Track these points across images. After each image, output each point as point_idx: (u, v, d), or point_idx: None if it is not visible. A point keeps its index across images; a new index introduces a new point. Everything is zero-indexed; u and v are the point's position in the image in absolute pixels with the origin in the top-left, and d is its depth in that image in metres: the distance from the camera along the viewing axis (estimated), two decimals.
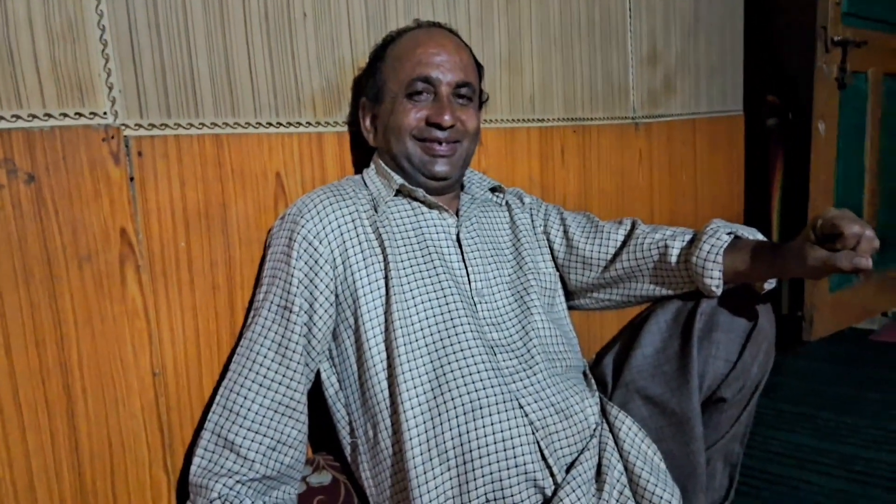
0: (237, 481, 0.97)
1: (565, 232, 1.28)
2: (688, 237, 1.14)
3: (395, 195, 1.15)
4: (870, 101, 2.66)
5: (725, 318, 1.10)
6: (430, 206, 1.15)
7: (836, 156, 2.56)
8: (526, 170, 1.70)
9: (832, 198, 2.55)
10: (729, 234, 1.08)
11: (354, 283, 1.04)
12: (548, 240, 1.29)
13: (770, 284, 1.13)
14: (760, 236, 1.13)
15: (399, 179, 1.14)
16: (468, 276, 1.12)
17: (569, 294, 1.31)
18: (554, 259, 1.29)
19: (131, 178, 0.99)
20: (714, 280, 1.07)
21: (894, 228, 2.94)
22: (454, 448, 0.99)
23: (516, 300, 1.15)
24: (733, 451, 1.18)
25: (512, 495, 0.98)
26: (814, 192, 2.47)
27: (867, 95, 2.65)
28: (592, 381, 1.19)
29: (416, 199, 1.15)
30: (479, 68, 1.22)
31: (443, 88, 1.13)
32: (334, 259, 1.04)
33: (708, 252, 1.07)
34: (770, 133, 2.84)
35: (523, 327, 1.12)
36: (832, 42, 2.41)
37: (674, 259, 1.13)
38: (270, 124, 1.15)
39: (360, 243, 1.06)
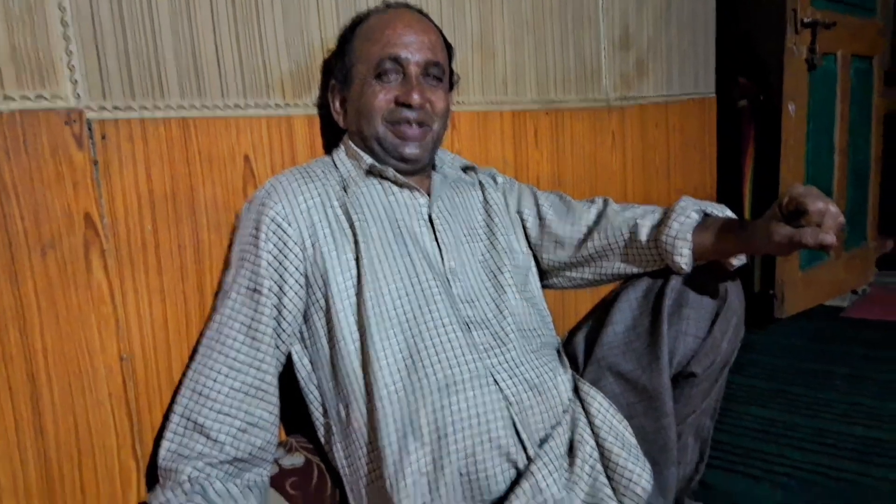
0: (207, 463, 0.97)
1: (538, 211, 1.28)
2: (657, 216, 1.14)
3: (366, 175, 1.14)
4: (839, 81, 2.70)
5: (695, 295, 1.11)
6: (401, 185, 1.15)
7: (807, 136, 2.59)
8: (499, 152, 1.70)
9: (803, 177, 2.59)
10: (698, 211, 1.09)
11: (324, 264, 1.04)
12: (521, 219, 1.30)
13: (739, 261, 1.14)
14: (730, 213, 1.14)
15: (369, 159, 1.13)
16: (441, 254, 1.12)
17: (542, 273, 1.31)
18: (527, 238, 1.29)
19: (95, 162, 0.97)
20: (683, 258, 1.08)
21: (863, 206, 2.99)
22: (429, 424, 0.99)
23: (490, 278, 1.16)
24: (704, 425, 1.19)
25: (486, 469, 0.99)
26: (784, 171, 2.50)
27: (836, 76, 2.68)
28: (565, 358, 1.20)
29: (386, 179, 1.15)
30: (450, 49, 1.22)
31: (411, 68, 1.12)
32: (303, 241, 1.04)
33: (677, 231, 1.08)
34: (742, 114, 2.86)
35: (497, 305, 1.12)
36: (802, 24, 2.43)
37: (644, 238, 1.14)
38: (238, 106, 1.14)
39: (329, 224, 1.06)
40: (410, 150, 1.13)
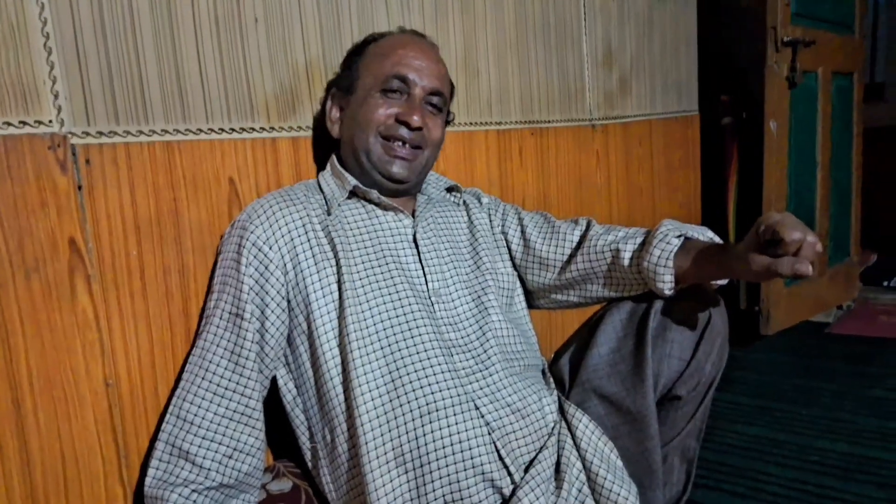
0: (193, 490, 0.96)
1: (522, 232, 1.29)
2: (639, 240, 1.15)
3: (350, 197, 1.15)
4: (820, 98, 2.73)
5: (679, 318, 1.12)
6: (385, 207, 1.15)
7: (789, 152, 2.62)
8: (485, 172, 1.71)
9: (786, 194, 2.61)
10: (679, 236, 1.10)
11: (306, 287, 1.04)
12: (506, 240, 1.30)
13: (721, 281, 1.15)
14: (710, 234, 1.15)
15: (353, 181, 1.13)
16: (425, 276, 1.12)
17: (529, 294, 1.32)
18: (512, 259, 1.30)
19: (79, 187, 0.97)
20: (666, 283, 1.08)
21: (846, 221, 3.03)
22: (411, 451, 0.99)
23: (474, 300, 1.16)
24: (690, 446, 1.20)
25: (470, 496, 0.99)
26: (767, 188, 2.53)
27: (817, 93, 2.72)
28: (551, 379, 1.20)
29: (370, 202, 1.15)
30: (452, 87, 1.25)
31: (417, 91, 1.14)
32: (285, 264, 1.04)
33: (658, 257, 1.08)
34: (725, 132, 2.89)
35: (480, 327, 1.13)
36: (782, 42, 2.47)
37: (626, 263, 1.14)
38: (223, 130, 1.14)
39: (311, 248, 1.06)
40: (398, 169, 1.14)
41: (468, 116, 1.65)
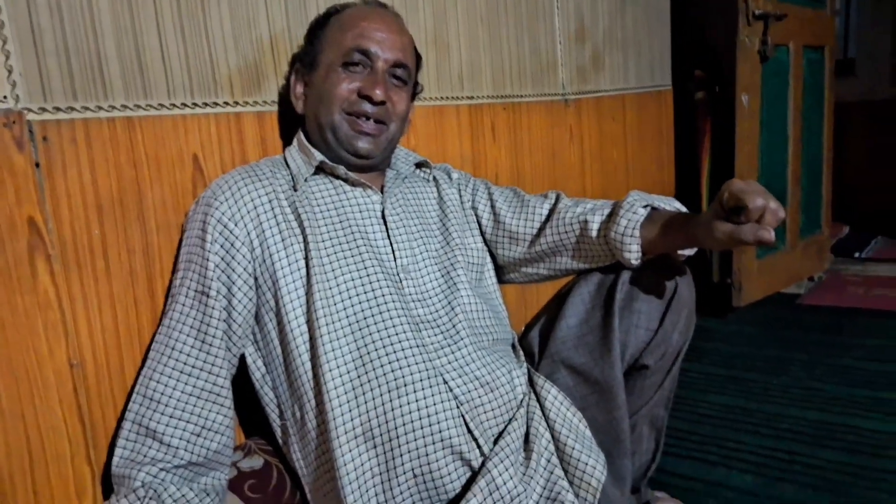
0: (161, 469, 0.96)
1: (492, 207, 1.29)
2: (606, 211, 1.15)
3: (317, 173, 1.13)
4: (791, 72, 2.74)
5: (645, 288, 1.13)
6: (353, 183, 1.14)
7: (761, 126, 2.63)
8: (457, 148, 1.70)
9: (757, 167, 2.63)
10: (645, 206, 1.10)
11: (273, 264, 1.03)
12: (476, 215, 1.30)
13: (690, 251, 1.16)
14: (678, 205, 1.15)
15: (319, 156, 1.12)
16: (393, 252, 1.12)
17: (498, 269, 1.32)
18: (482, 234, 1.29)
19: (37, 165, 0.95)
20: (633, 253, 1.09)
21: (817, 195, 3.06)
22: (379, 426, 0.99)
23: (443, 275, 1.16)
24: (658, 415, 1.21)
25: (439, 469, 0.99)
26: (739, 162, 2.54)
27: (789, 67, 2.73)
28: (521, 352, 1.21)
29: (338, 177, 1.14)
30: (418, 58, 1.23)
31: (379, 64, 1.12)
32: (251, 241, 1.03)
33: (625, 227, 1.09)
34: (698, 106, 2.90)
35: (449, 302, 1.13)
36: (753, 15, 2.47)
37: (594, 234, 1.15)
38: (185, 105, 1.12)
39: (277, 224, 1.05)
40: (363, 144, 1.12)
41: (439, 91, 1.64)
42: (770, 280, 2.81)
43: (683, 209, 1.14)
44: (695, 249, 1.16)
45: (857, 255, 3.46)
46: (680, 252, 1.15)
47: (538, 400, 1.12)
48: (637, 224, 1.08)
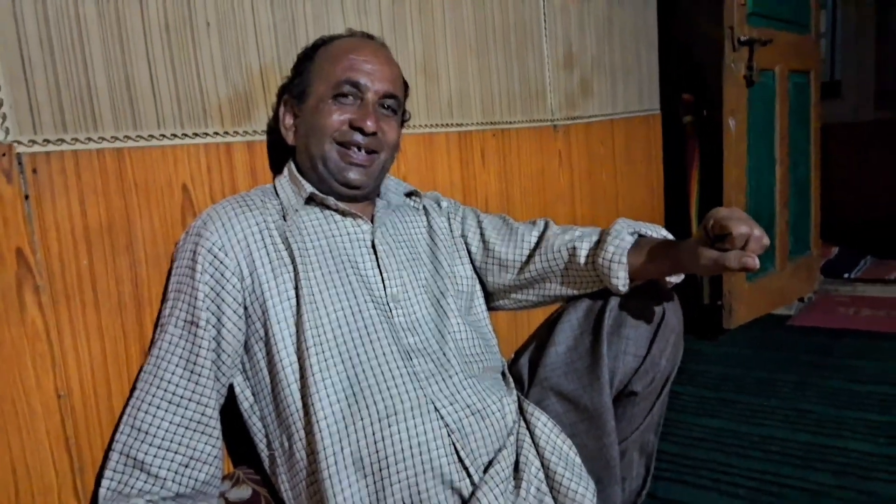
0: (148, 500, 0.95)
1: (482, 235, 1.29)
2: (595, 238, 1.16)
3: (307, 203, 1.14)
4: (777, 96, 2.78)
5: (633, 315, 1.13)
6: (344, 213, 1.15)
7: (748, 150, 2.66)
8: (446, 175, 1.72)
9: (745, 189, 2.65)
10: (632, 234, 1.12)
11: (263, 294, 1.03)
12: (465, 243, 1.31)
13: (677, 278, 1.17)
14: (664, 232, 1.16)
15: (309, 188, 1.13)
16: (383, 282, 1.13)
17: (488, 295, 1.33)
18: (472, 262, 1.30)
19: (26, 196, 0.96)
20: (620, 280, 1.10)
21: (806, 216, 3.08)
22: (370, 455, 0.99)
23: (433, 304, 1.16)
24: (648, 441, 1.22)
25: (429, 499, 0.99)
26: (727, 185, 2.56)
27: (775, 91, 2.76)
28: (511, 379, 1.21)
29: (328, 207, 1.15)
30: (406, 87, 1.24)
31: (369, 95, 1.13)
32: (241, 271, 1.03)
33: (612, 254, 1.10)
34: (686, 130, 2.93)
35: (439, 331, 1.13)
36: (739, 41, 2.51)
37: (582, 261, 1.16)
38: (175, 135, 1.13)
39: (268, 254, 1.05)
40: (355, 175, 1.13)
41: (428, 118, 1.65)
42: (760, 302, 2.82)
43: (670, 237, 1.15)
44: (682, 276, 1.17)
45: (846, 275, 3.48)
46: (668, 279, 1.16)
47: (528, 427, 1.12)
48: (624, 251, 1.09)
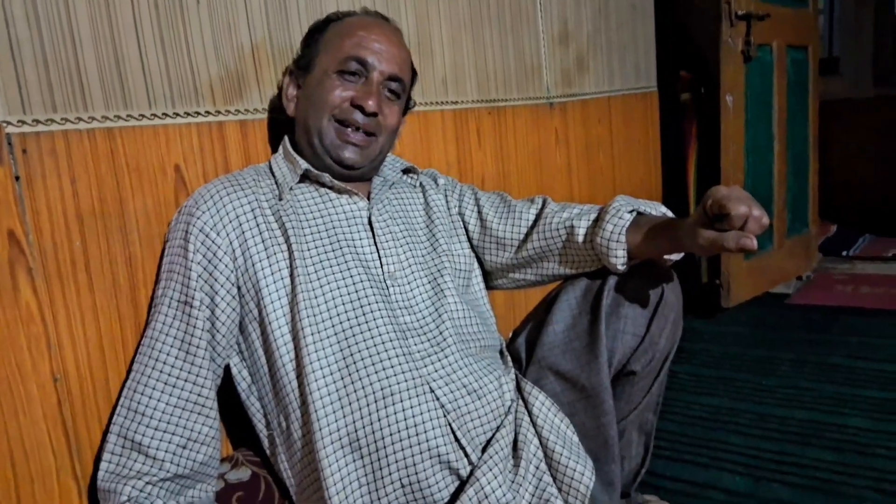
0: (147, 482, 0.95)
1: (479, 213, 1.28)
2: (593, 216, 1.15)
3: (302, 181, 1.13)
4: (775, 72, 2.76)
5: (632, 294, 1.12)
6: (339, 191, 1.14)
7: (745, 126, 2.64)
8: (442, 153, 1.70)
9: (742, 167, 2.64)
10: (631, 211, 1.10)
11: (256, 274, 1.02)
12: (462, 221, 1.29)
13: (677, 256, 1.16)
14: (663, 209, 1.15)
15: (304, 164, 1.12)
16: (380, 260, 1.12)
17: (486, 275, 1.32)
18: (469, 240, 1.29)
19: (17, 177, 0.94)
20: (619, 259, 1.09)
21: (804, 194, 3.07)
22: (365, 436, 0.99)
23: (430, 282, 1.15)
24: (647, 420, 1.21)
25: (426, 479, 0.99)
26: (724, 162, 2.55)
27: (772, 66, 2.74)
28: (509, 358, 1.21)
29: (323, 185, 1.14)
30: (414, 74, 1.22)
31: (375, 75, 1.11)
32: (233, 250, 1.02)
33: (611, 232, 1.09)
34: (684, 108, 2.91)
35: (436, 310, 1.12)
36: (736, 16, 2.48)
37: (580, 239, 1.14)
38: (166, 115, 1.11)
39: (260, 233, 1.04)
40: (349, 154, 1.12)
41: (423, 96, 1.63)
42: (758, 280, 2.82)
43: (670, 214, 1.14)
44: (681, 254, 1.16)
45: (844, 253, 3.48)
46: (667, 257, 1.15)
47: (526, 406, 1.12)
48: (623, 229, 1.08)
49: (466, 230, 1.29)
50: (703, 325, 2.60)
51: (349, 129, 1.11)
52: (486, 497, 0.99)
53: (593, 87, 2.27)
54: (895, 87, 4.01)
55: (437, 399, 1.02)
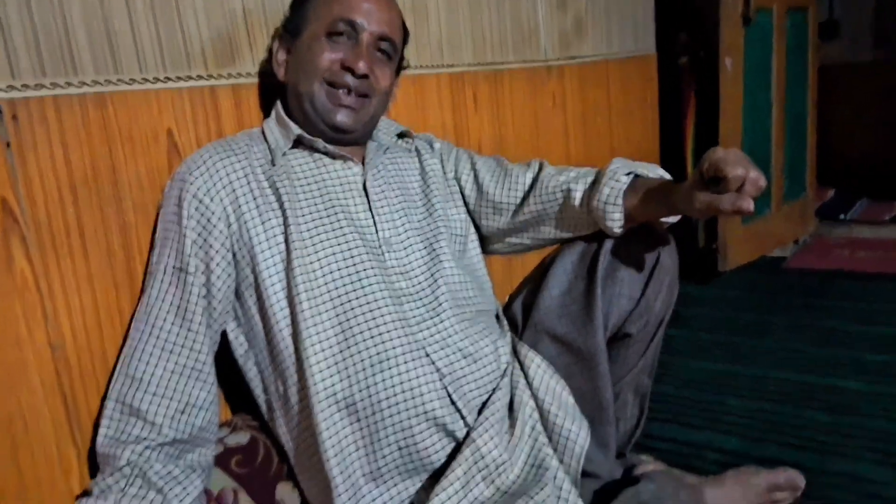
0: (146, 447, 0.96)
1: (475, 177, 1.27)
2: (590, 179, 1.14)
3: (295, 146, 1.12)
4: (775, 35, 2.73)
5: (628, 257, 1.12)
6: (334, 156, 1.13)
7: (744, 90, 2.62)
8: (438, 117, 1.68)
9: (741, 131, 2.63)
10: (628, 174, 1.09)
11: (250, 239, 1.02)
12: (459, 185, 1.29)
13: (674, 218, 1.15)
14: (661, 171, 1.15)
15: (296, 130, 1.10)
16: (375, 225, 1.11)
17: (483, 239, 1.31)
18: (466, 204, 1.29)
19: (7, 145, 0.93)
20: (616, 222, 1.08)
21: (802, 158, 3.06)
22: (362, 400, 0.99)
23: (426, 247, 1.15)
24: (642, 383, 1.22)
25: (423, 441, 1.00)
26: (723, 126, 2.54)
27: (772, 30, 2.71)
28: (505, 322, 1.21)
29: (317, 150, 1.13)
30: (406, 34, 1.20)
31: (364, 36, 1.10)
32: (227, 216, 1.01)
33: (608, 196, 1.08)
34: (682, 71, 2.88)
35: (432, 275, 1.12)
36: None
37: (577, 203, 1.14)
38: (157, 79, 1.10)
39: (254, 199, 1.04)
40: (342, 118, 1.10)
41: (418, 59, 1.61)
42: (755, 244, 2.83)
43: (667, 176, 1.13)
44: (678, 217, 1.15)
45: (841, 216, 3.48)
46: (663, 220, 1.14)
47: (522, 369, 1.13)
48: (619, 192, 1.07)
49: (462, 194, 1.28)
50: (700, 289, 2.61)
51: (341, 92, 1.09)
52: (483, 457, 1.00)
53: (591, 50, 2.25)
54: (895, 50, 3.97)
55: (434, 363, 1.03)
